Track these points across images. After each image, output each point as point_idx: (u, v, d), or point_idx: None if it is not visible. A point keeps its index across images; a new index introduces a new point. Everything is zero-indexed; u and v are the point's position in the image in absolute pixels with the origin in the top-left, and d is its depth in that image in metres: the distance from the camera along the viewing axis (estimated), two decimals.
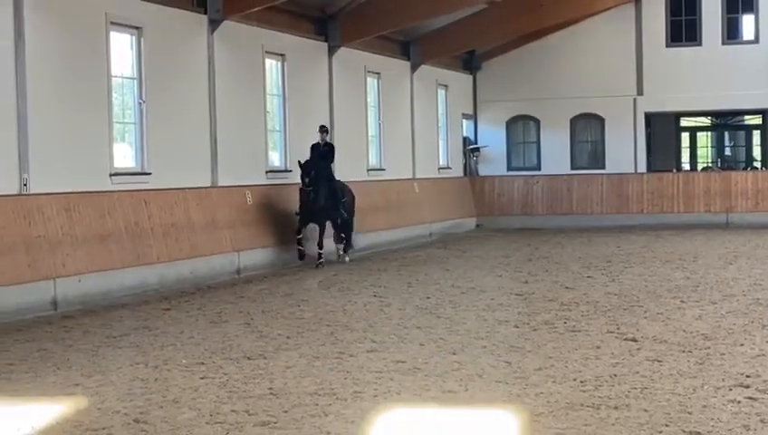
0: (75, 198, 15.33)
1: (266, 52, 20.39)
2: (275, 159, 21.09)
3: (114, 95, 16.78)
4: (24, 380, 9.96)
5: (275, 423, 7.88)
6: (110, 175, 16.50)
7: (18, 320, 13.78)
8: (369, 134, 24.78)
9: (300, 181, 18.74)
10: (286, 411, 8.29)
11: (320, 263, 19.07)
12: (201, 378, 9.88)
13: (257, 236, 20.05)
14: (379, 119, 25.59)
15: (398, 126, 26.56)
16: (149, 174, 17.45)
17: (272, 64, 20.79)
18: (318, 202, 18.53)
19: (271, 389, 9.28)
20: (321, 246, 19.17)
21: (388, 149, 25.84)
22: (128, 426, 7.98)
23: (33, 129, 14.94)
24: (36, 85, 14.98)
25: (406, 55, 26.80)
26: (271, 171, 20.59)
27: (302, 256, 18.88)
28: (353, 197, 20.69)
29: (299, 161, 17.98)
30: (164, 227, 17.03)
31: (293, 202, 19.85)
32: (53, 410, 8.66)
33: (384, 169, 25.65)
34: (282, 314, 14.18)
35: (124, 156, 17.37)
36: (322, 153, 19.07)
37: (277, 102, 21.12)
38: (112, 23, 15.89)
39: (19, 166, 14.85)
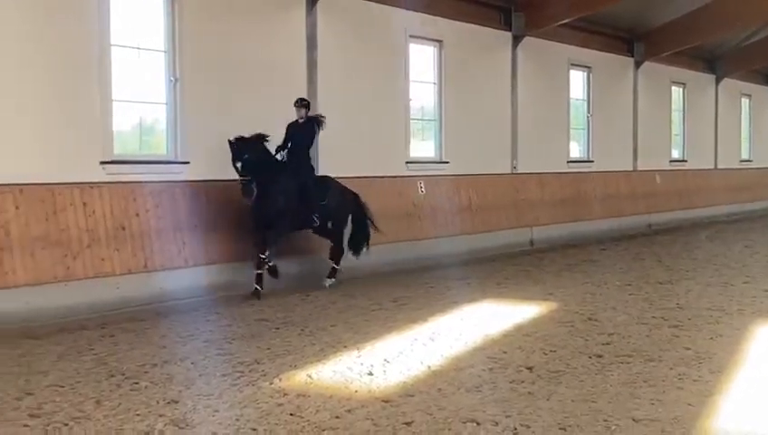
0: (546, 177, 19.80)
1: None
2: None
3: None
4: (513, 289, 12.53)
5: (682, 326, 9.52)
6: (567, 162, 20.97)
7: (509, 252, 17.22)
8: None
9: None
10: (689, 319, 9.95)
11: (255, 290, 11.67)
12: (629, 294, 12.03)
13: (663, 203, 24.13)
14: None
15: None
16: (592, 162, 21.85)
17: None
18: (265, 199, 11.50)
19: (678, 304, 11.08)
20: (263, 261, 11.69)
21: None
22: (584, 321, 9.89)
23: (520, 132, 19.05)
24: (523, 107, 19.00)
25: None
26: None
27: (273, 272, 11.74)
28: (352, 200, 13.17)
29: (229, 140, 11.19)
30: (603, 196, 21.45)
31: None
32: (535, 309, 10.70)
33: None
34: (681, 255, 17.43)
35: (574, 149, 21.64)
36: (297, 133, 12.14)
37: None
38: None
39: (511, 156, 18.98)
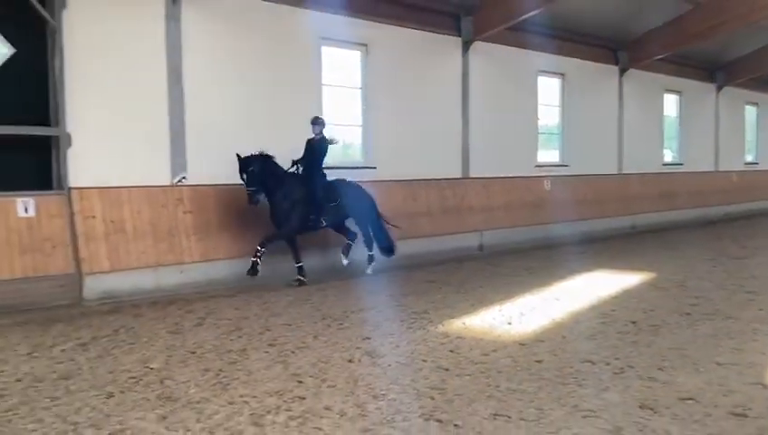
0: (646, 176, 18.90)
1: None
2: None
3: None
4: (620, 262, 11.50)
5: (755, 292, 9.08)
6: (662, 165, 19.21)
7: (616, 235, 16.60)
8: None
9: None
10: (761, 286, 9.51)
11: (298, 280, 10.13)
12: (712, 266, 11.58)
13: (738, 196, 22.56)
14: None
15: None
16: (682, 164, 20.57)
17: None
18: (273, 205, 9.96)
19: (752, 274, 10.65)
20: (297, 260, 10.21)
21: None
22: (676, 287, 9.56)
23: (625, 142, 18.36)
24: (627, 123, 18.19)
25: None
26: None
27: (254, 271, 9.61)
28: (361, 200, 10.89)
29: (237, 154, 9.59)
30: (690, 191, 20.04)
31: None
32: (637, 277, 10.40)
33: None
34: (753, 236, 16.44)
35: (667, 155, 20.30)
36: (314, 148, 10.30)
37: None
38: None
39: (618, 160, 18.27)
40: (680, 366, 5.88)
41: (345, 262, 10.72)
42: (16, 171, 8.99)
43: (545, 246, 14.24)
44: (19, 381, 5.65)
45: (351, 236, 10.94)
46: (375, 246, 11.09)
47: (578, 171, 16.71)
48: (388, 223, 11.18)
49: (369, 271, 11.00)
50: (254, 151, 9.73)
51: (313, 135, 10.35)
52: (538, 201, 15.45)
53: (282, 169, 10.07)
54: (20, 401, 5.16)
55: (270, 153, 9.86)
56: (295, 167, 10.25)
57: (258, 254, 9.60)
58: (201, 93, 10.37)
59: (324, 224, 10.44)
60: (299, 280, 10.10)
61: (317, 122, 10.36)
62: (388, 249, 11.12)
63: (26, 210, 8.75)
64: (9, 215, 8.64)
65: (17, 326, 7.55)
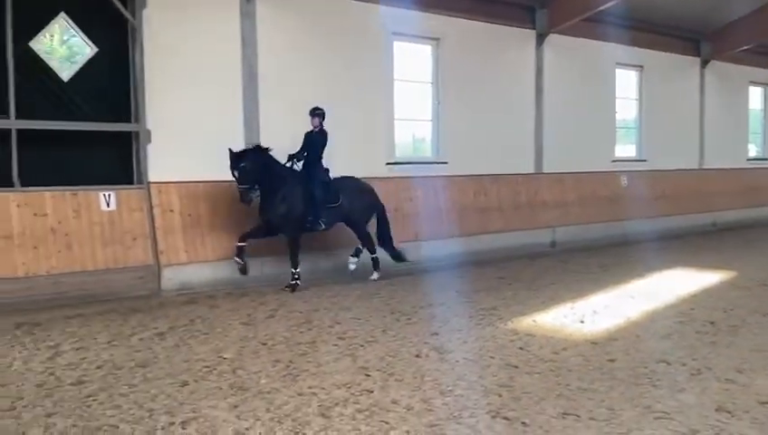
0: (729, 172, 18.12)
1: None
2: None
3: None
4: (700, 260, 11.24)
5: None
6: (746, 160, 18.85)
7: (695, 232, 15.93)
8: None
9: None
10: None
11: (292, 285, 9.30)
12: None
13: None
14: None
15: None
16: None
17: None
18: (267, 205, 9.25)
19: None
20: (294, 266, 9.33)
21: None
22: (758, 287, 9.28)
23: (707, 137, 17.55)
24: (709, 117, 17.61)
25: None
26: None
27: (243, 269, 9.17)
28: (372, 201, 10.23)
29: (229, 149, 8.85)
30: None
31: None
32: (717, 276, 10.14)
33: None
34: None
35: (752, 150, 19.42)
36: (314, 142, 9.53)
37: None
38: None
39: (699, 155, 17.63)
40: (761, 368, 5.65)
41: (352, 266, 9.99)
42: (99, 166, 9.33)
43: (621, 244, 13.88)
44: (99, 368, 5.88)
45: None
46: (383, 249, 10.30)
47: (656, 166, 16.24)
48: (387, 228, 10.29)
49: (374, 277, 10.07)
50: (249, 145, 9.40)
51: (312, 127, 9.63)
52: (614, 197, 15.09)
53: (279, 164, 9.35)
54: (100, 387, 5.37)
55: (265, 146, 9.17)
56: (292, 162, 9.52)
57: (238, 253, 9.04)
58: (275, 90, 10.51)
59: (323, 226, 9.62)
60: (292, 286, 9.27)
61: (315, 113, 9.57)
62: (397, 256, 10.42)
63: (108, 204, 9.09)
64: (92, 208, 9.00)
65: (99, 315, 7.85)
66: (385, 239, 10.30)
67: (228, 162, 8.89)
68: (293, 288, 9.26)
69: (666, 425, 4.51)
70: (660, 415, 4.67)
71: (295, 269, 9.38)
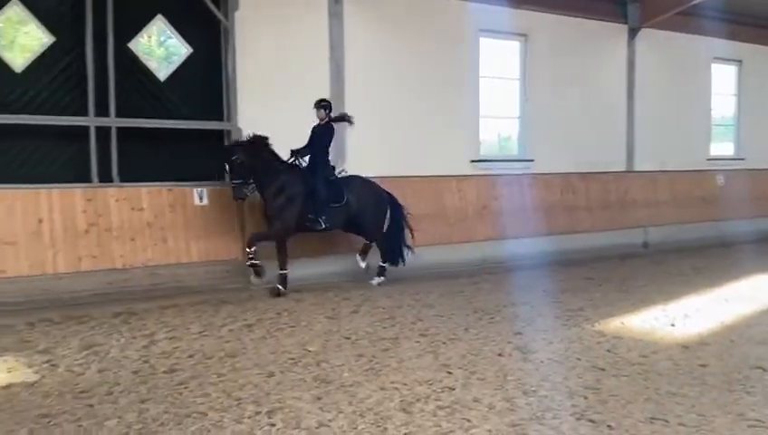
0: None
1: None
2: None
3: None
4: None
5: None
6: None
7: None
8: None
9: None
10: None
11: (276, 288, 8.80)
12: None
13: None
14: None
15: None
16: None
17: None
18: (269, 203, 8.79)
19: None
20: (249, 257, 8.65)
21: None
22: None
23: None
24: None
25: None
26: None
27: (258, 272, 8.75)
28: (384, 201, 9.60)
29: (224, 145, 9.12)
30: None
31: None
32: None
33: None
34: None
35: None
36: (320, 136, 9.04)
37: None
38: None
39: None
40: None
41: (362, 265, 9.48)
42: (193, 163, 9.61)
43: (716, 245, 13.33)
44: (191, 357, 6.10)
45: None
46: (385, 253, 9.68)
47: (755, 165, 15.50)
48: (410, 229, 9.72)
49: (374, 282, 9.48)
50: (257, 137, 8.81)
51: (318, 120, 9.15)
52: (709, 196, 14.52)
53: (278, 158, 8.90)
54: (191, 375, 5.57)
55: (264, 135, 8.74)
56: (294, 158, 9.05)
57: (251, 257, 8.59)
58: (361, 88, 10.58)
59: (324, 226, 8.98)
60: (277, 289, 8.77)
61: (321, 105, 9.10)
62: (394, 260, 9.68)
63: (201, 199, 9.41)
64: (186, 203, 9.32)
65: (191, 307, 8.13)
66: (393, 248, 9.63)
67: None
68: (277, 292, 8.74)
69: (759, 433, 4.33)
70: (754, 423, 4.48)
71: (282, 270, 8.91)
